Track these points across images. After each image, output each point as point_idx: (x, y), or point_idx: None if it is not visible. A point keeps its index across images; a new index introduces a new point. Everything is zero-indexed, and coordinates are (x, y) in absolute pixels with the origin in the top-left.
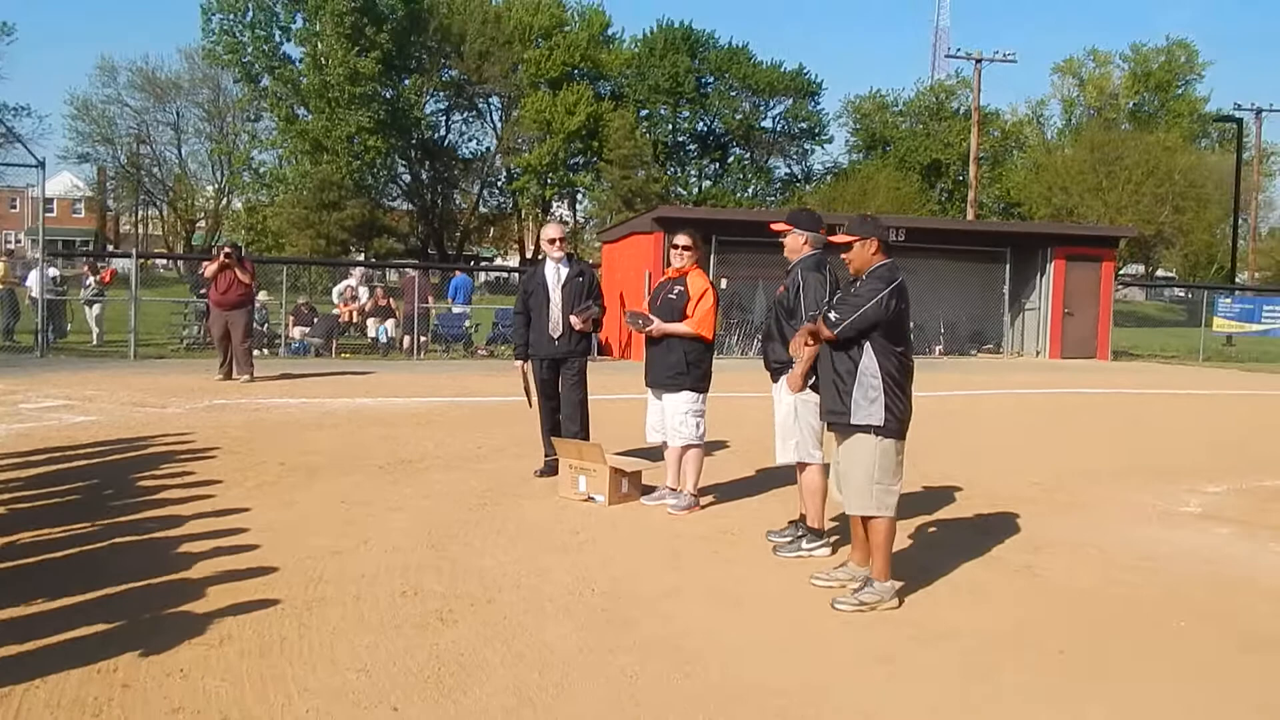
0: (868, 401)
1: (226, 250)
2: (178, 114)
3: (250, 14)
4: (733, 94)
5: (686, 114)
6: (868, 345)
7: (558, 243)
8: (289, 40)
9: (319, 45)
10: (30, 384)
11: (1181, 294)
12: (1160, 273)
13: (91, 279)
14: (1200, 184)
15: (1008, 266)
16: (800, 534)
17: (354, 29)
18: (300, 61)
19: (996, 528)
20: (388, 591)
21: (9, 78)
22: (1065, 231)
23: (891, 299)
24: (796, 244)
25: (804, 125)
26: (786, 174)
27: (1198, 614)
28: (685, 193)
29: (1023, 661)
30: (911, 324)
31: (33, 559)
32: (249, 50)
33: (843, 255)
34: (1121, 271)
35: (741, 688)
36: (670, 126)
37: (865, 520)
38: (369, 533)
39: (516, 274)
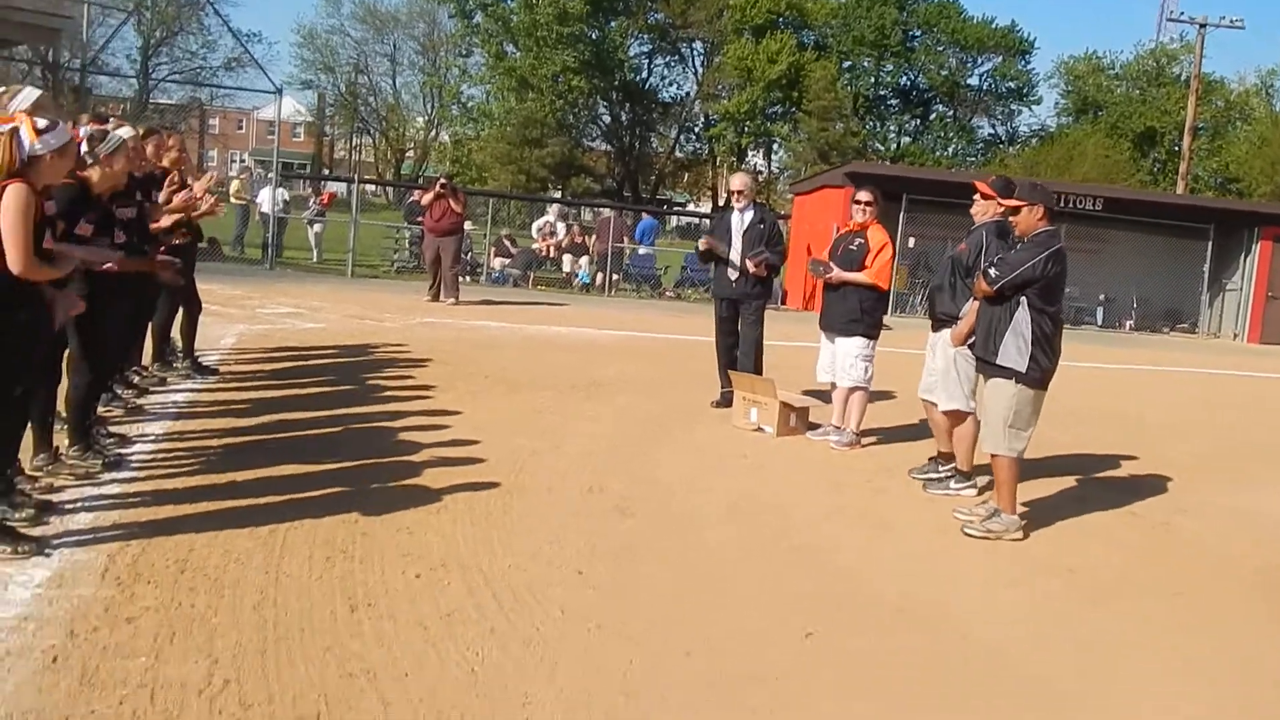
0: (1016, 350)
1: (443, 181)
2: (394, 46)
3: None
4: (940, 49)
5: (890, 67)
6: (1024, 301)
7: (739, 194)
8: None
9: None
10: (264, 292)
11: None
12: None
13: (313, 200)
14: None
15: (1210, 244)
16: (948, 473)
17: None
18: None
19: (1144, 488)
20: (577, 486)
21: (242, 4)
22: (1276, 211)
23: (1048, 262)
24: (983, 207)
25: (1012, 85)
26: (990, 134)
27: None
28: (883, 148)
29: (1136, 598)
30: (1103, 297)
31: (287, 434)
32: None
33: (1011, 218)
34: None
35: (874, 592)
36: (873, 80)
37: (996, 457)
38: (562, 439)
39: (708, 219)
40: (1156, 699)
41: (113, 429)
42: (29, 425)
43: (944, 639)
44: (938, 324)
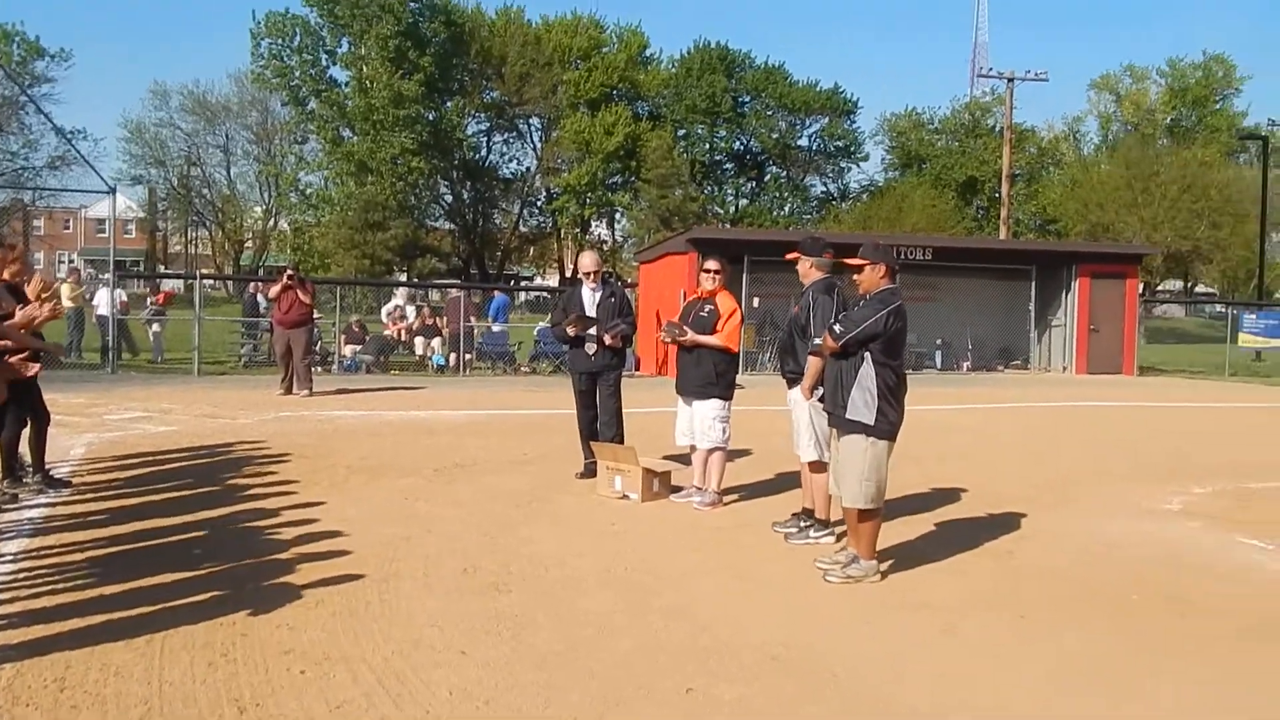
0: (863, 404)
1: (290, 272)
2: (227, 136)
3: (298, 39)
4: (769, 113)
5: (723, 133)
6: (867, 356)
7: (592, 275)
8: (335, 64)
9: (364, 69)
10: (108, 398)
11: (1221, 310)
12: (1200, 288)
13: (150, 299)
14: (1238, 199)
15: (1033, 284)
16: (808, 524)
17: (398, 52)
18: (346, 85)
19: (990, 522)
20: (451, 569)
21: (67, 102)
22: (1089, 249)
23: (889, 318)
24: (805, 268)
25: (840, 143)
26: (823, 192)
27: (1151, 591)
28: (722, 211)
29: (986, 623)
30: (940, 341)
31: (151, 542)
32: (296, 74)
33: (854, 276)
34: (1160, 288)
35: (746, 643)
36: (707, 146)
37: (857, 510)
38: (430, 523)
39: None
40: (1006, 711)
41: None
42: None
43: (814, 681)
44: (790, 381)
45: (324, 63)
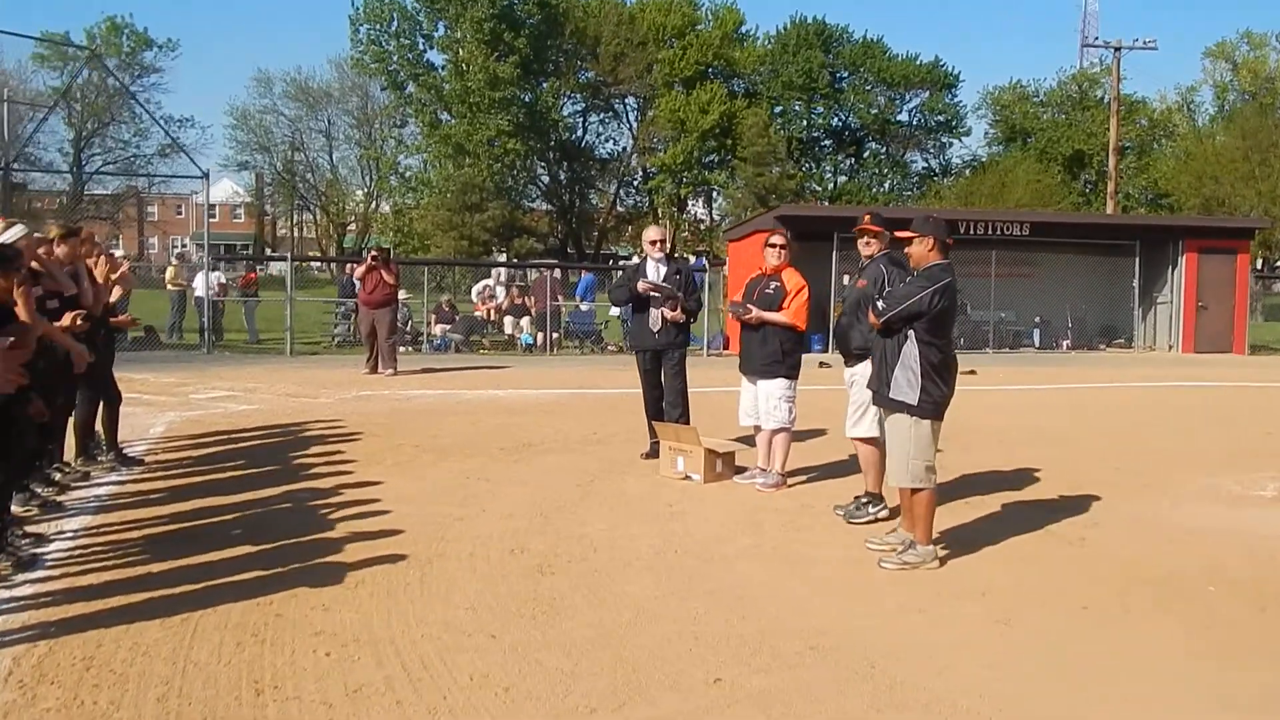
0: (906, 383)
1: (374, 253)
2: (329, 122)
3: (395, 23)
4: (868, 88)
5: (821, 110)
6: (911, 334)
7: (658, 244)
8: (432, 48)
9: (460, 52)
10: (199, 377)
11: None
12: None
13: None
14: None
15: (1138, 260)
16: (866, 500)
17: (493, 35)
18: (443, 68)
19: (1066, 506)
20: (498, 550)
21: (174, 90)
22: (1197, 224)
23: (935, 297)
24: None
25: (941, 118)
26: (924, 168)
27: (1229, 583)
28: (820, 189)
29: (1045, 615)
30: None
31: (207, 520)
32: (394, 58)
33: (905, 250)
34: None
35: (786, 629)
36: (804, 122)
37: (910, 491)
38: (487, 503)
39: (618, 268)
40: (1051, 709)
41: (30, 529)
42: None
43: (849, 672)
44: (852, 359)
45: (421, 46)
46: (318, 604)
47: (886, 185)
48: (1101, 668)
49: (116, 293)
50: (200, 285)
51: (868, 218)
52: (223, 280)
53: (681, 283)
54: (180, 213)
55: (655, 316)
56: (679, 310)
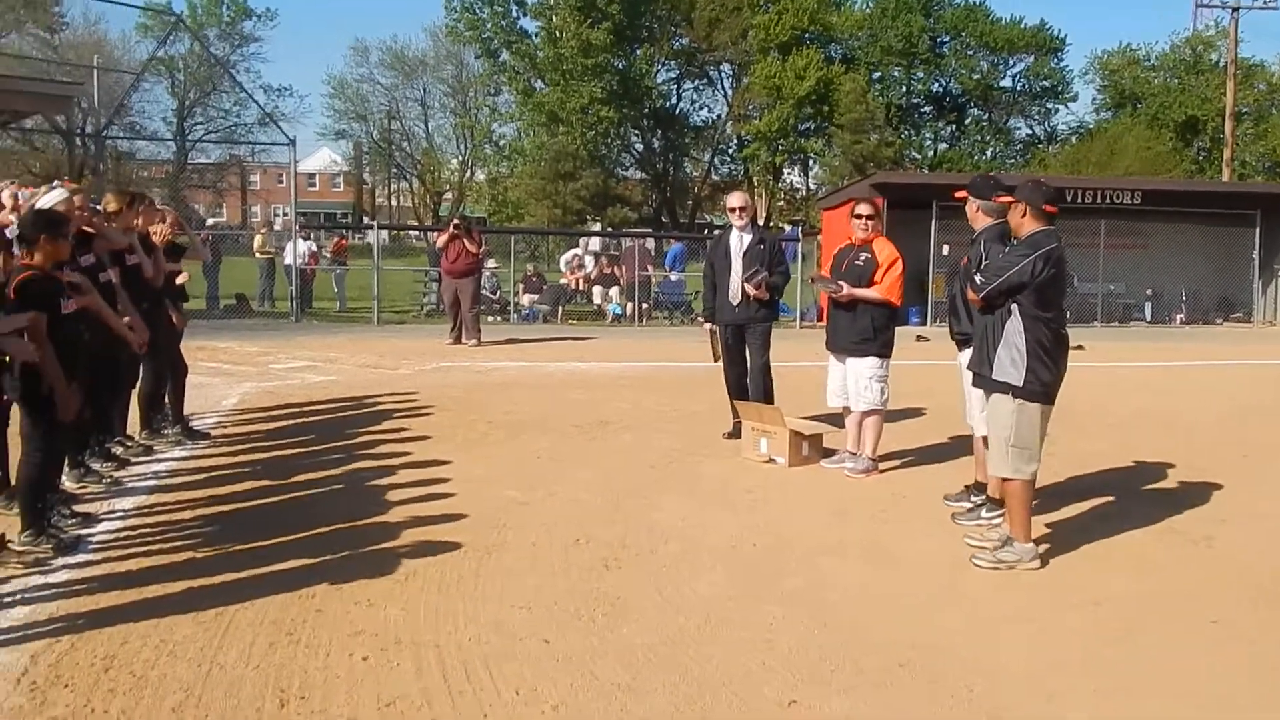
0: (1009, 362)
1: (455, 222)
2: (424, 90)
3: None
4: (969, 53)
5: (921, 75)
6: (1015, 309)
7: (738, 211)
8: (525, 15)
9: (553, 19)
10: (282, 346)
11: None
12: None
13: (326, 250)
14: None
15: (1258, 230)
16: (980, 501)
17: (586, 1)
18: (536, 35)
19: (1188, 500)
20: (562, 540)
21: (272, 60)
22: None
23: (1038, 265)
24: (973, 211)
25: (1046, 83)
26: (1028, 135)
27: None
28: (920, 156)
29: (1167, 628)
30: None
31: (261, 501)
32: (488, 26)
33: (1006, 217)
34: None
35: (872, 640)
36: (904, 88)
37: (1004, 481)
38: (555, 486)
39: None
40: None
41: (79, 508)
42: None
43: (943, 695)
44: (959, 343)
45: (514, 14)
46: (362, 598)
47: (989, 153)
48: (1234, 693)
49: (184, 277)
50: (290, 253)
51: (969, 188)
52: (312, 249)
53: (766, 253)
54: (281, 181)
55: (735, 288)
56: (761, 287)
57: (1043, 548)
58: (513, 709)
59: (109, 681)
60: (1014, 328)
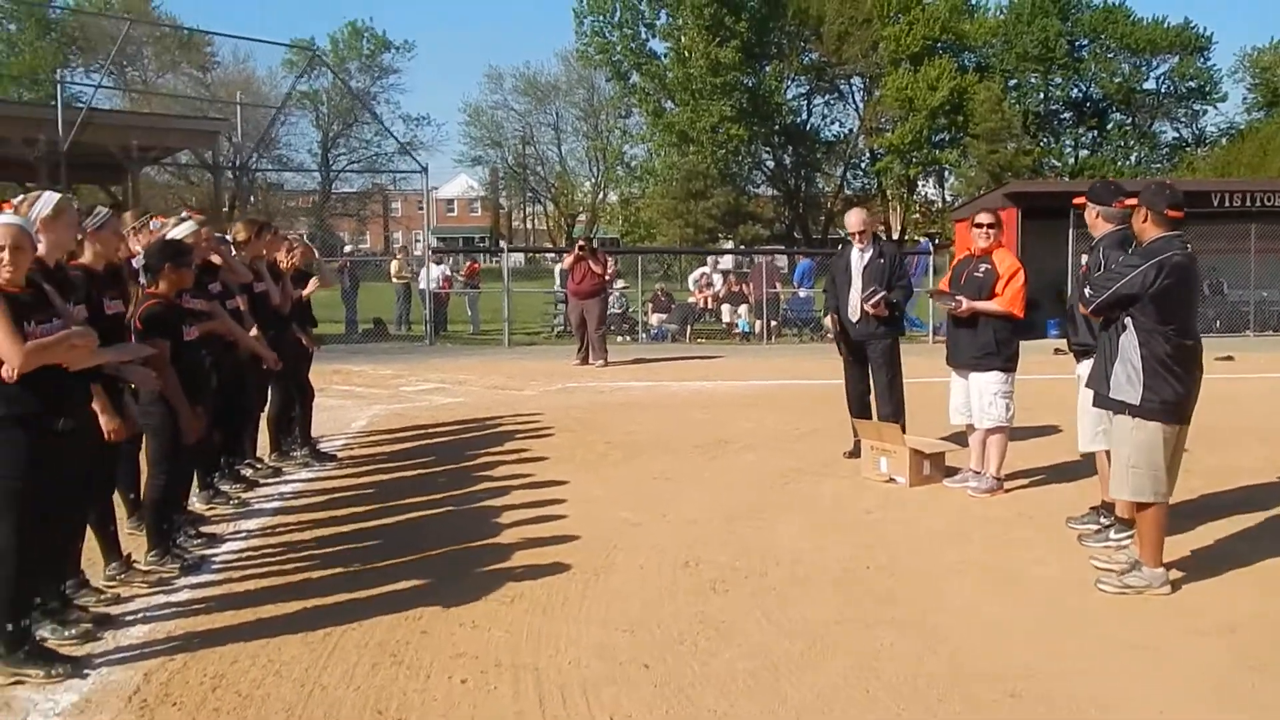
0: (1126, 379)
1: (581, 243)
2: (557, 115)
3: (618, 14)
4: (1110, 55)
5: (1059, 80)
6: (1129, 322)
7: (858, 236)
8: (654, 36)
9: (681, 39)
10: (415, 369)
11: None
12: None
13: (459, 274)
14: None
15: None
16: (1109, 522)
17: (714, 20)
18: (665, 56)
19: None
20: (672, 562)
21: (410, 90)
22: None
23: (1152, 274)
24: (1091, 218)
25: (1192, 84)
26: (1174, 138)
27: None
28: (1059, 164)
29: None
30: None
31: (380, 522)
32: (618, 49)
33: (1128, 224)
34: None
35: (984, 668)
36: (1041, 95)
37: (1134, 504)
38: (670, 507)
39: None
40: None
41: (206, 529)
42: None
43: None
44: (1077, 355)
45: (643, 36)
46: (467, 620)
47: (1133, 158)
48: None
49: (313, 285)
50: (424, 278)
51: (1089, 194)
52: (446, 273)
53: (886, 268)
54: (421, 208)
55: (855, 304)
56: (879, 305)
57: (1175, 572)
58: None
59: (215, 700)
60: (1129, 343)
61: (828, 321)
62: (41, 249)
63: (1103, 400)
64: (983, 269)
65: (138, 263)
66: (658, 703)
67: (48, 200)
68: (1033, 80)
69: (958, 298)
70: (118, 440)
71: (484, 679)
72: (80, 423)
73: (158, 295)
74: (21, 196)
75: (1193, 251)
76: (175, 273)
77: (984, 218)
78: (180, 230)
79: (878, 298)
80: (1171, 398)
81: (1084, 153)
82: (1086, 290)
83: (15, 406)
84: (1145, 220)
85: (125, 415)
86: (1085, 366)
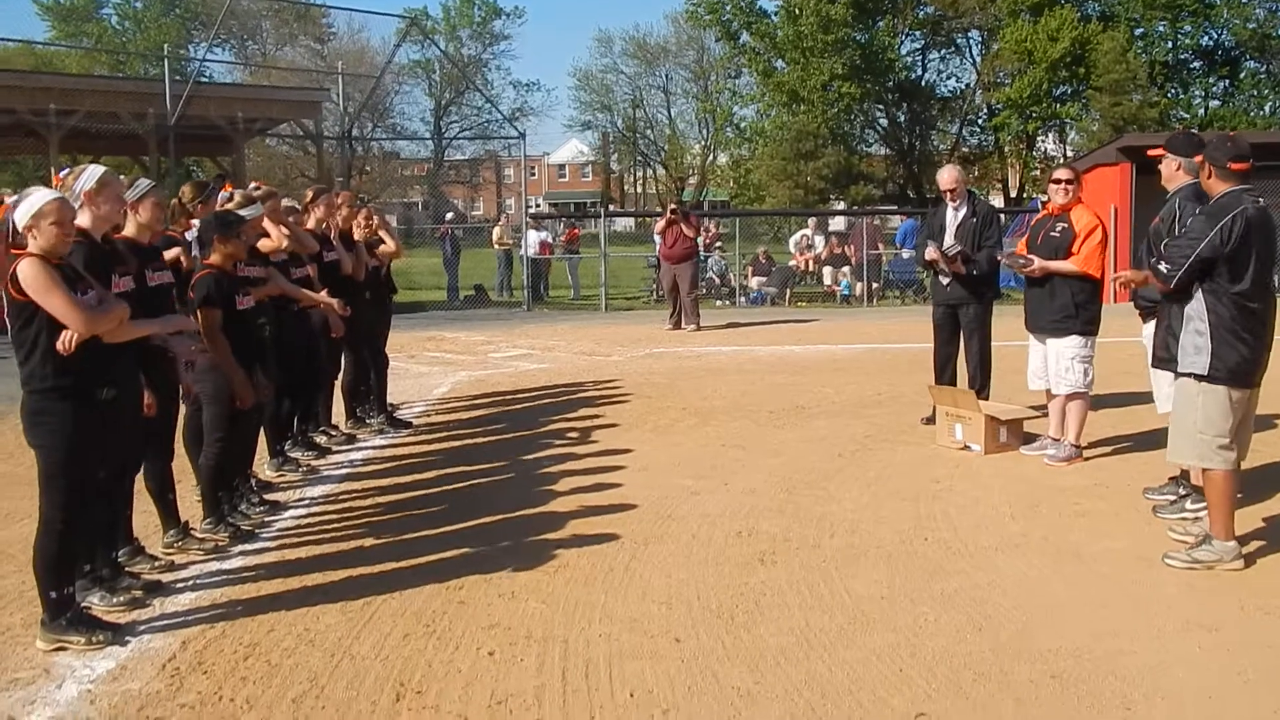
0: (1193, 348)
1: (673, 207)
2: (666, 77)
3: None
4: (1244, 1)
5: (1188, 28)
6: (1197, 288)
7: (951, 193)
8: None
9: None
10: (507, 335)
11: None
12: None
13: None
14: None
15: None
16: (1184, 493)
17: None
18: (775, 14)
19: None
20: (724, 532)
21: (520, 56)
22: None
23: (1222, 235)
24: (1170, 170)
25: None
26: None
27: None
28: (1188, 115)
29: None
30: None
31: (442, 488)
32: (728, 8)
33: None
34: None
35: (1029, 648)
36: (1169, 44)
37: (1203, 472)
38: (732, 475)
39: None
40: None
41: (270, 496)
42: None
43: (1094, 713)
44: (1144, 314)
45: None
46: (506, 590)
47: (1267, 108)
48: None
49: (387, 246)
50: (526, 244)
51: (1168, 145)
52: (545, 239)
53: (978, 227)
54: (534, 174)
55: (944, 273)
56: (957, 262)
57: (1250, 545)
58: (622, 712)
59: (245, 669)
60: (1195, 308)
61: (930, 254)
62: (87, 221)
63: (1166, 364)
64: (1060, 228)
65: (191, 235)
66: (681, 678)
67: (93, 173)
68: (1160, 28)
69: (1030, 257)
70: (150, 414)
71: (511, 651)
72: (124, 392)
73: (211, 265)
74: (68, 169)
75: (1265, 205)
76: (225, 243)
77: (1063, 173)
78: (248, 211)
79: (955, 252)
80: (1237, 361)
81: (1214, 104)
82: (1162, 267)
83: (59, 379)
84: (1210, 175)
85: (179, 384)
86: (1151, 328)
